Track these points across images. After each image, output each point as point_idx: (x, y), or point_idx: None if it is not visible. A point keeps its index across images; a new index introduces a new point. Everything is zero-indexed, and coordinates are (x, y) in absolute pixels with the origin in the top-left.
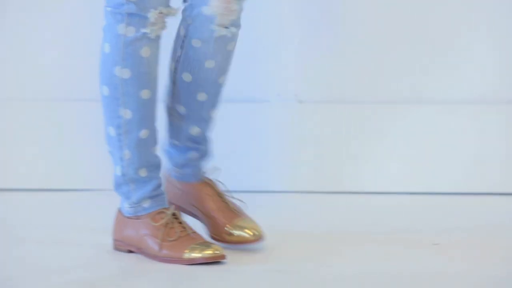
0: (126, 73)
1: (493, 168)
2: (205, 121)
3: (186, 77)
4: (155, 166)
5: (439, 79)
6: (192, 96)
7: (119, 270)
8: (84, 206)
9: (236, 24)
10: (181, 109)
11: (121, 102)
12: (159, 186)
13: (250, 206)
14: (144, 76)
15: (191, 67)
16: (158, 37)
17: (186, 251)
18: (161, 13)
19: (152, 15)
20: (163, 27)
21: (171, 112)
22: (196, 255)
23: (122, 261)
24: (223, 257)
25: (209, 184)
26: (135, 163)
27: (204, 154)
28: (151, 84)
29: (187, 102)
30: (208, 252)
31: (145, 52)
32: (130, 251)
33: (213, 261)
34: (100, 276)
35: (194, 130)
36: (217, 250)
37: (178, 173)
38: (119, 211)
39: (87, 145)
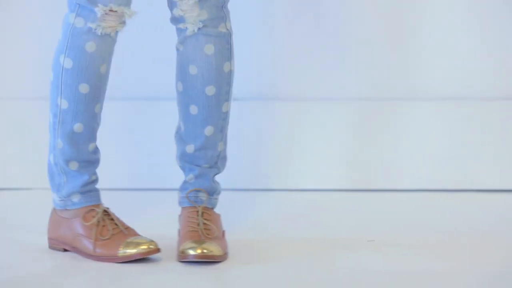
0: (68, 63)
1: (467, 165)
2: (199, 139)
3: (179, 86)
4: (89, 162)
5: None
6: (186, 108)
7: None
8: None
9: (211, 24)
10: (182, 126)
11: (60, 91)
12: (90, 182)
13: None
14: (85, 70)
15: (180, 74)
16: (107, 36)
17: (120, 248)
18: (111, 10)
19: (99, 10)
20: (116, 26)
21: (177, 131)
22: (131, 251)
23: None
24: (158, 250)
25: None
26: (66, 154)
27: (197, 176)
28: (92, 80)
29: (183, 116)
30: (143, 248)
31: (89, 46)
32: (66, 250)
33: (148, 255)
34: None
35: (189, 148)
36: (151, 244)
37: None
38: (53, 209)
39: None
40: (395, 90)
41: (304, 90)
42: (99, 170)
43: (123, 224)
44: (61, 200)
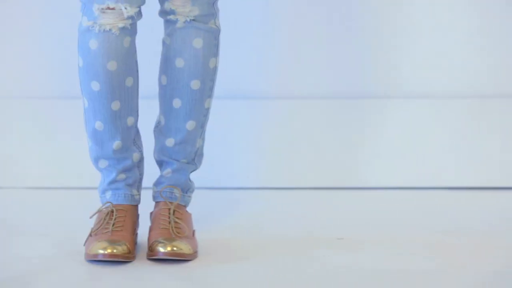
0: (80, 62)
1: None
2: (180, 133)
3: (163, 79)
4: (116, 160)
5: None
6: (169, 102)
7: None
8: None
9: (202, 20)
10: (162, 120)
11: (82, 90)
12: (117, 181)
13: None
14: (92, 68)
15: (165, 67)
16: (108, 32)
17: (91, 247)
18: (108, 8)
19: (95, 9)
20: (116, 23)
21: (157, 125)
22: (97, 251)
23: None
24: (121, 256)
25: None
26: (93, 153)
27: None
28: (101, 77)
29: (165, 110)
30: (108, 251)
31: (92, 44)
32: None
33: (115, 259)
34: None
35: (169, 142)
36: (115, 248)
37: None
38: None
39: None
40: (386, 88)
41: (288, 88)
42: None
43: (123, 226)
44: (100, 197)
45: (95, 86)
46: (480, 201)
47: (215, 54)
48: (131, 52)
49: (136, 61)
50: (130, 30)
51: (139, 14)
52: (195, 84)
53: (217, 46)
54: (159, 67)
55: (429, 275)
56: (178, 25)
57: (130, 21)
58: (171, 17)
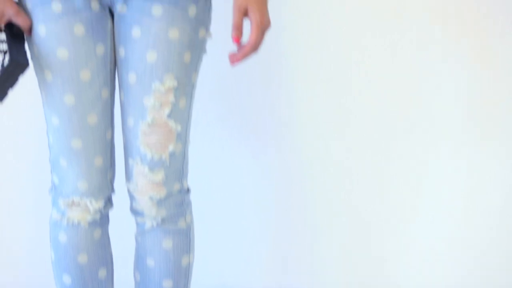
0: (52, 255)
1: None
2: None
3: (137, 276)
4: None
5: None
6: None
7: None
8: None
9: (170, 220)
10: None
11: (55, 283)
12: None
13: None
14: (63, 261)
15: (138, 264)
16: (77, 226)
17: None
18: (73, 203)
19: (62, 202)
20: (85, 216)
21: None
22: None
23: None
24: None
25: None
26: None
27: None
28: (72, 271)
29: None
30: None
31: (61, 237)
32: None
33: None
34: None
35: None
36: None
37: None
38: None
39: None
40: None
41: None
42: None
43: None
44: None
45: (67, 279)
46: None
47: (188, 251)
48: (103, 243)
49: (110, 252)
50: (100, 222)
51: (108, 205)
52: (167, 284)
53: (189, 243)
54: (134, 263)
55: None
56: (146, 228)
57: (98, 215)
58: (139, 219)
